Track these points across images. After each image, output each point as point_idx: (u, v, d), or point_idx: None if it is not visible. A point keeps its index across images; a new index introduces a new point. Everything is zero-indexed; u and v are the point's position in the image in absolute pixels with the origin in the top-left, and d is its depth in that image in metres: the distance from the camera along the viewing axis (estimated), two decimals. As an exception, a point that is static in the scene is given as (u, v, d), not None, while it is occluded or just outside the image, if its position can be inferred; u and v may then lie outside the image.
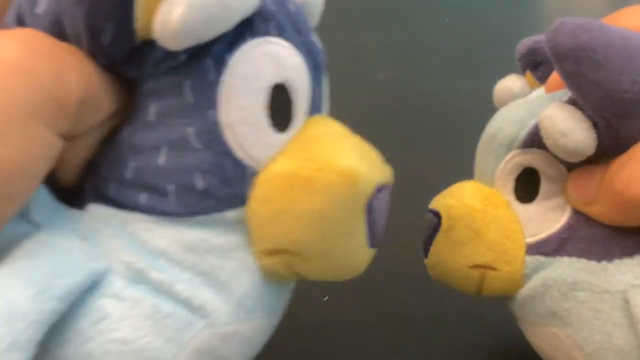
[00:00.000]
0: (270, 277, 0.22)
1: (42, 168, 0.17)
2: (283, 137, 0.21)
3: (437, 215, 0.26)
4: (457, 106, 0.55)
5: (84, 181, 0.20)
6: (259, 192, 0.20)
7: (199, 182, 0.19)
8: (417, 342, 0.30)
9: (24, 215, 0.18)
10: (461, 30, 0.77)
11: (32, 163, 0.17)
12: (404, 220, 0.39)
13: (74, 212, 0.20)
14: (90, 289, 0.18)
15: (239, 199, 0.20)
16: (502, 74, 0.30)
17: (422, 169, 0.46)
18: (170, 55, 0.19)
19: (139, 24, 0.18)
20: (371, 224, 0.21)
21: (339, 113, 0.24)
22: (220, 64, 0.19)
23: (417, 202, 0.40)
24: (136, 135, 0.19)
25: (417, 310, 0.33)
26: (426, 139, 0.51)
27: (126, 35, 0.18)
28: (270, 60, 0.20)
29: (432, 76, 0.62)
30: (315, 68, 0.22)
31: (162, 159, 0.19)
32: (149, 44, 0.18)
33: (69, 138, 0.18)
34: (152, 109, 0.19)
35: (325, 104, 0.23)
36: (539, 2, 0.93)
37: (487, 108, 0.30)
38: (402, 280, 0.34)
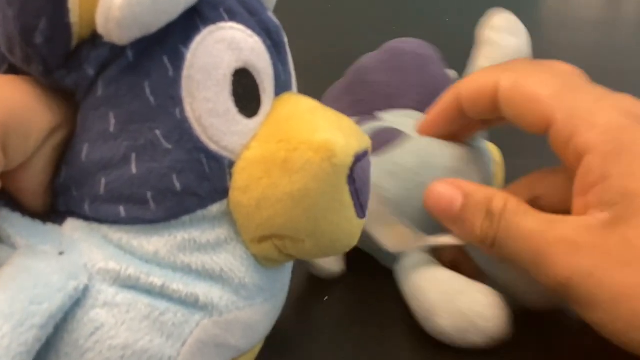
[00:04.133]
0: (265, 262, 0.21)
1: None
2: (254, 122, 0.20)
3: None
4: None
5: (56, 203, 0.19)
6: (238, 181, 0.20)
7: (177, 183, 0.19)
8: (417, 342, 0.30)
9: (4, 241, 0.18)
10: (461, 30, 0.77)
11: None
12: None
13: (52, 228, 0.19)
14: (79, 302, 0.18)
15: (220, 192, 0.20)
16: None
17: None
18: (117, 52, 0.18)
19: (74, 16, 0.17)
20: (356, 194, 0.20)
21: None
22: (177, 58, 0.19)
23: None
24: (99, 150, 0.18)
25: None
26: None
27: (61, 31, 0.17)
28: (227, 46, 0.19)
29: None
30: (275, 46, 0.21)
31: (133, 168, 0.18)
32: (90, 43, 0.18)
33: (9, 170, 0.17)
34: (112, 119, 0.18)
35: (294, 82, 0.23)
36: (539, 2, 0.93)
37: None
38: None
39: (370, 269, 0.34)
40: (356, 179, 0.20)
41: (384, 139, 0.31)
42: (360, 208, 0.21)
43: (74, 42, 0.17)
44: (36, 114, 0.18)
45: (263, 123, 0.20)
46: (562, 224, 0.24)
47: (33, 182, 0.19)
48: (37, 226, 0.19)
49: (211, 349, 0.20)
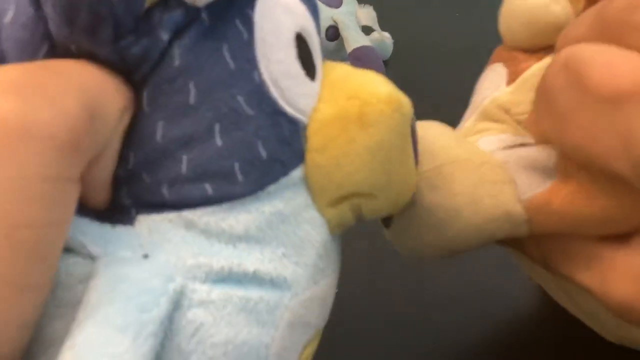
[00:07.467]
0: (336, 228, 0.21)
1: (66, 225, 0.15)
2: (315, 85, 0.20)
3: None
4: (462, 102, 0.55)
5: (118, 196, 0.17)
6: (314, 143, 0.20)
7: (262, 150, 0.18)
8: (418, 342, 0.30)
9: (77, 252, 0.16)
10: (469, 25, 0.77)
11: (56, 230, 0.15)
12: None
13: (125, 231, 0.17)
14: (176, 304, 0.17)
15: (298, 156, 0.19)
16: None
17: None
18: (192, 17, 0.17)
19: None
20: (414, 144, 0.22)
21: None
22: (247, 22, 0.18)
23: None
24: (178, 126, 0.17)
25: (418, 310, 0.32)
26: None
27: None
28: (285, 10, 0.20)
29: (437, 72, 0.62)
30: (314, 12, 0.21)
31: (218, 140, 0.17)
32: (161, 5, 0.16)
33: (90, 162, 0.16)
34: (192, 89, 0.17)
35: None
36: None
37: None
38: (403, 280, 0.34)
39: (371, 269, 0.34)
40: (414, 129, 0.21)
41: None
42: (416, 159, 0.22)
43: (147, 1, 0.16)
44: (109, 95, 0.16)
45: (321, 86, 0.21)
46: None
47: (104, 172, 0.17)
48: (109, 230, 0.17)
49: (298, 329, 0.20)
